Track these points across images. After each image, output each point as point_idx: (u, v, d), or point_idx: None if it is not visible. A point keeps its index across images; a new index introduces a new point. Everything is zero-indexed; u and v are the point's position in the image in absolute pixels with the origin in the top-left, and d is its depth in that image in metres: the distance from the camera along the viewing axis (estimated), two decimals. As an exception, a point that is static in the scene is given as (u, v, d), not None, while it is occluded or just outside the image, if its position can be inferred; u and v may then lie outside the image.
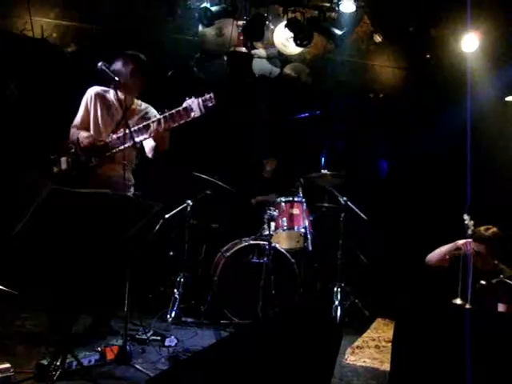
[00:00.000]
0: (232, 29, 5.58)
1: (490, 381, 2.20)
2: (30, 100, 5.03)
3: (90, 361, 3.31)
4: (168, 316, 4.56)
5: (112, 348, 3.47)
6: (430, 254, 4.09)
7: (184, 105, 3.42)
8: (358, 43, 6.04)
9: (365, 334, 4.68)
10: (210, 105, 3.36)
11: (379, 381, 3.58)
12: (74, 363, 3.16)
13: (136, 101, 3.91)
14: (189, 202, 4.91)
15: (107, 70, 3.49)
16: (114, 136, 3.62)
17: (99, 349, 3.45)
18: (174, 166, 5.57)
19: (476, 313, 2.30)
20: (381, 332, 4.76)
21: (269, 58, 6.04)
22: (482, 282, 3.64)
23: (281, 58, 6.08)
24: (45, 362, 3.09)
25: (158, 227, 4.82)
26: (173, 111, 3.44)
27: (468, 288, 3.59)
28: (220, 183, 4.99)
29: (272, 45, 5.83)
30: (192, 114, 3.39)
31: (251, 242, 4.88)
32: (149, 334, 3.97)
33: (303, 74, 6.17)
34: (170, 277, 5.00)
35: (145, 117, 3.80)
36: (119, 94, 3.54)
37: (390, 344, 4.11)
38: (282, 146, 6.10)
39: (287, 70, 6.14)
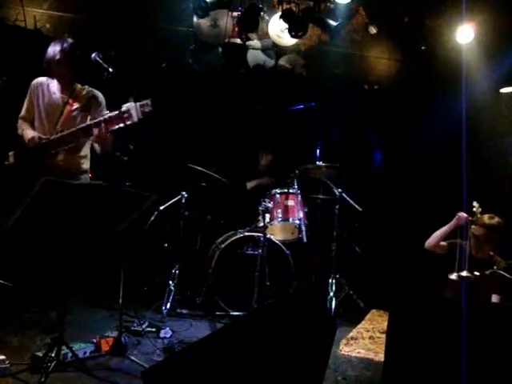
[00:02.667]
0: (227, 20, 5.54)
1: (484, 372, 2.21)
2: (23, 92, 5.00)
3: (85, 352, 3.32)
4: (163, 308, 4.57)
5: (107, 340, 3.48)
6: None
7: (123, 108, 3.35)
8: (353, 35, 6.02)
9: (359, 325, 4.70)
10: (147, 110, 3.31)
11: (373, 371, 3.60)
12: (69, 355, 3.16)
13: (80, 86, 3.82)
14: (184, 193, 4.90)
15: (101, 60, 3.46)
16: (59, 134, 3.56)
17: (94, 340, 3.46)
18: (169, 158, 5.57)
19: (470, 304, 2.31)
20: (375, 323, 4.79)
21: (263, 50, 6.01)
22: (476, 273, 3.66)
23: (275, 50, 6.05)
24: (40, 354, 3.10)
25: (152, 219, 4.81)
26: (111, 114, 3.39)
27: (464, 261, 3.62)
28: (215, 175, 4.98)
29: (267, 36, 5.81)
30: (130, 119, 3.33)
31: (246, 233, 4.88)
32: (144, 326, 3.98)
33: (298, 66, 6.15)
34: (164, 268, 5.00)
35: (91, 102, 3.76)
36: (59, 83, 3.68)
37: (384, 335, 4.13)
38: (277, 137, 6.09)
39: (282, 61, 6.12)
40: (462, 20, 5.14)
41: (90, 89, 3.83)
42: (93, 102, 3.75)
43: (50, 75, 3.76)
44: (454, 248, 3.80)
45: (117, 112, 3.35)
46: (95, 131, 3.38)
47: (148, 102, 3.32)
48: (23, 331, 3.68)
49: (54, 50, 3.64)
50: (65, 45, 3.64)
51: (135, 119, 3.29)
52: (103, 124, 3.37)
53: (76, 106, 3.74)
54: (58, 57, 3.62)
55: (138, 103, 3.32)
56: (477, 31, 5.18)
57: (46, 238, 3.06)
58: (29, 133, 3.65)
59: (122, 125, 3.35)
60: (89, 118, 3.65)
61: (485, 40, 5.31)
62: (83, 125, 3.47)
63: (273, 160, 5.96)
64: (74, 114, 3.71)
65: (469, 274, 3.59)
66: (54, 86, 3.78)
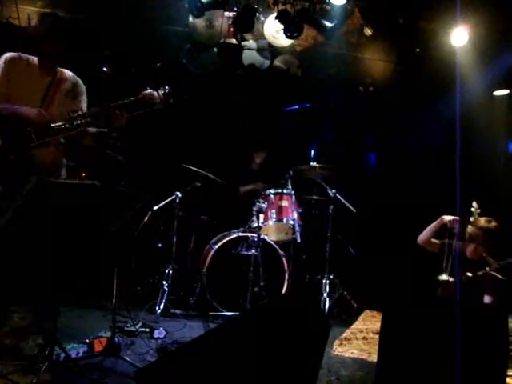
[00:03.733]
0: (222, 20, 5.54)
1: (476, 371, 2.22)
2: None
3: (78, 353, 3.31)
4: (157, 308, 4.56)
5: (100, 340, 3.47)
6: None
7: (141, 94, 3.27)
8: (349, 36, 6.03)
9: (353, 326, 4.71)
10: (172, 100, 3.30)
11: (367, 372, 3.61)
12: (62, 355, 3.15)
13: (62, 69, 3.52)
14: (178, 193, 4.90)
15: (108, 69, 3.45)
16: (60, 119, 3.21)
17: (87, 341, 3.45)
18: (163, 158, 5.56)
19: (463, 304, 2.33)
20: (368, 324, 4.80)
21: (259, 50, 6.01)
22: (469, 274, 3.68)
23: (271, 50, 6.06)
24: (32, 354, 3.08)
25: (146, 219, 4.80)
26: (133, 99, 3.24)
27: (455, 267, 3.64)
28: (209, 175, 4.98)
29: (262, 37, 5.80)
30: (152, 106, 3.28)
31: (240, 234, 4.88)
32: (137, 326, 3.98)
33: (293, 67, 6.15)
34: (158, 269, 5.00)
35: (74, 88, 3.50)
36: (40, 61, 3.35)
37: (377, 335, 4.12)
38: (272, 138, 6.10)
39: (277, 62, 6.13)
40: (457, 22, 5.16)
41: (72, 73, 3.55)
42: (77, 88, 3.53)
43: (32, 52, 3.41)
44: (445, 248, 3.82)
45: (138, 97, 3.26)
46: (115, 113, 3.21)
47: (170, 89, 3.30)
48: (15, 331, 3.66)
49: (42, 25, 3.35)
50: (47, 18, 3.38)
51: (159, 106, 3.26)
52: (123, 108, 3.23)
53: (62, 88, 3.44)
54: (39, 30, 3.34)
55: (160, 90, 3.28)
56: (471, 34, 5.20)
57: (38, 237, 3.04)
58: (31, 109, 3.22)
59: (143, 111, 3.25)
60: (79, 106, 3.42)
61: (479, 42, 5.33)
62: (106, 105, 3.24)
63: (267, 157, 5.95)
64: (60, 97, 3.41)
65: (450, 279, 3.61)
66: (34, 64, 3.39)
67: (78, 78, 3.56)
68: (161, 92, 3.32)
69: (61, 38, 3.36)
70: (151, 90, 3.29)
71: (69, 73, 3.54)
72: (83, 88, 3.59)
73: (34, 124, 3.21)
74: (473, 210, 3.79)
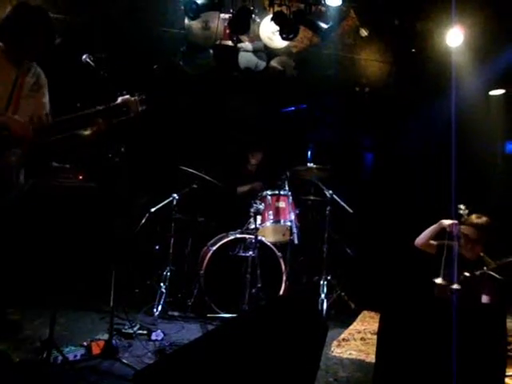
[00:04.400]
0: (218, 22, 5.55)
1: (474, 371, 2.23)
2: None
3: (75, 356, 3.30)
4: (154, 310, 4.55)
5: (98, 342, 3.47)
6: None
7: (119, 101, 3.04)
8: (344, 37, 6.04)
9: (351, 327, 4.71)
10: (145, 106, 3.09)
11: (365, 372, 3.61)
12: (60, 358, 3.14)
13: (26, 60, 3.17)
14: (175, 195, 4.89)
15: (92, 62, 3.39)
16: (39, 125, 2.92)
17: (85, 343, 3.44)
18: (160, 160, 5.56)
19: (460, 304, 2.33)
20: (366, 324, 4.80)
21: (255, 52, 6.02)
22: (466, 274, 3.68)
23: (267, 52, 6.06)
24: (30, 357, 3.08)
25: (144, 221, 4.80)
26: (112, 105, 3.01)
27: (453, 269, 3.63)
28: (206, 177, 4.98)
29: (258, 38, 5.82)
30: (130, 114, 3.05)
31: (237, 235, 4.88)
32: (135, 328, 3.97)
33: (289, 68, 6.16)
34: (156, 271, 4.99)
35: (37, 80, 3.18)
36: (7, 49, 3.00)
37: (375, 336, 4.13)
38: (269, 139, 6.10)
39: (273, 63, 6.13)
40: (452, 23, 5.17)
41: (34, 63, 3.21)
42: (40, 80, 3.21)
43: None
44: (443, 249, 3.82)
45: (116, 103, 3.04)
46: (98, 122, 2.97)
47: (144, 96, 3.09)
48: (13, 335, 3.65)
49: (14, 13, 3.03)
50: (20, 6, 3.06)
51: (133, 114, 3.04)
52: (106, 114, 3.00)
53: (27, 81, 3.10)
54: (10, 18, 3.01)
55: (135, 97, 3.09)
56: (466, 34, 5.22)
57: (35, 239, 3.04)
58: (18, 122, 2.88)
59: (120, 119, 3.03)
60: (43, 100, 3.17)
61: (474, 43, 5.35)
62: (88, 111, 2.97)
63: (263, 158, 5.95)
64: (27, 92, 3.09)
65: (458, 287, 3.60)
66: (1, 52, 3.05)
67: (39, 69, 3.24)
68: (136, 98, 3.09)
69: (33, 30, 3.05)
70: (128, 96, 3.07)
71: (31, 62, 3.20)
72: (45, 80, 3.27)
73: (20, 136, 2.90)
74: (461, 212, 3.80)
